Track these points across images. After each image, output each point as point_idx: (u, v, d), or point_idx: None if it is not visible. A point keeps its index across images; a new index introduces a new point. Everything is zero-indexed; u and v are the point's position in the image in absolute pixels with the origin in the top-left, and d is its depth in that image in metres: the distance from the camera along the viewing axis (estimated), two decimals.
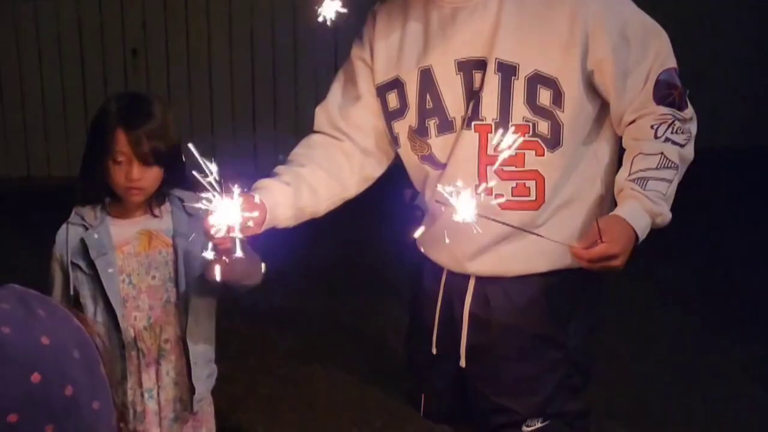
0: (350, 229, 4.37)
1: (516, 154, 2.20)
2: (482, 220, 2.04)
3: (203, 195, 2.00)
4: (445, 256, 2.44)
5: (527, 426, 2.45)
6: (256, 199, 2.17)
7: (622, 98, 2.25)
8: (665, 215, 2.21)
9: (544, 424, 2.45)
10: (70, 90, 6.37)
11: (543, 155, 2.26)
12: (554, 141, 2.26)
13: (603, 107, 2.31)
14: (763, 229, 5.26)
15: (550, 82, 2.22)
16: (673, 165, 2.21)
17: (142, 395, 2.40)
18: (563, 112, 2.24)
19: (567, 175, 2.31)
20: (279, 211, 2.25)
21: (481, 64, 2.25)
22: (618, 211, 2.19)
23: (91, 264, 2.34)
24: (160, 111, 2.35)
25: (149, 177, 2.31)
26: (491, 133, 2.24)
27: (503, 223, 2.18)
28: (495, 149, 2.16)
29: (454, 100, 2.30)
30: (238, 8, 6.43)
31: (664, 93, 2.24)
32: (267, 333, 4.17)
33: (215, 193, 1.99)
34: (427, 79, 2.32)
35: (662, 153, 2.21)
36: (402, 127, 2.39)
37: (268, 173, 2.36)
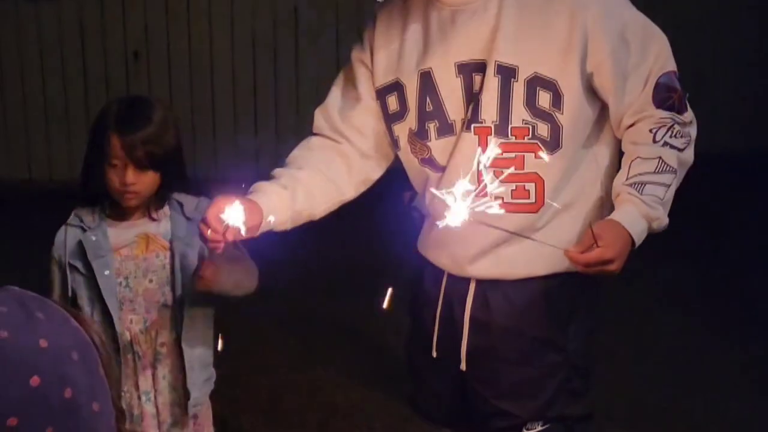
0: (350, 230, 4.37)
1: (515, 156, 2.20)
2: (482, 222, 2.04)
3: (202, 198, 2.01)
4: (445, 259, 2.44)
5: (527, 429, 2.44)
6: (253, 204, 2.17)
7: (621, 101, 2.24)
8: (662, 220, 2.20)
9: (544, 427, 2.44)
10: (72, 92, 6.38)
11: (542, 158, 2.26)
12: (554, 143, 2.25)
13: (603, 110, 2.30)
14: (762, 230, 5.26)
15: (550, 85, 2.22)
16: (671, 169, 2.20)
17: (139, 398, 2.40)
18: (563, 114, 2.23)
19: (567, 178, 2.31)
20: (275, 214, 2.25)
21: (480, 67, 2.25)
22: (614, 216, 2.17)
23: (89, 266, 2.34)
24: (160, 115, 2.35)
25: (144, 181, 2.32)
26: (491, 135, 2.24)
27: (496, 228, 2.17)
28: (494, 152, 2.16)
29: (454, 103, 2.30)
30: (239, 11, 6.43)
31: (664, 96, 2.23)
32: (267, 334, 4.18)
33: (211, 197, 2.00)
34: (427, 81, 2.31)
35: (660, 157, 2.19)
36: (402, 130, 2.39)
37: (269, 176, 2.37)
